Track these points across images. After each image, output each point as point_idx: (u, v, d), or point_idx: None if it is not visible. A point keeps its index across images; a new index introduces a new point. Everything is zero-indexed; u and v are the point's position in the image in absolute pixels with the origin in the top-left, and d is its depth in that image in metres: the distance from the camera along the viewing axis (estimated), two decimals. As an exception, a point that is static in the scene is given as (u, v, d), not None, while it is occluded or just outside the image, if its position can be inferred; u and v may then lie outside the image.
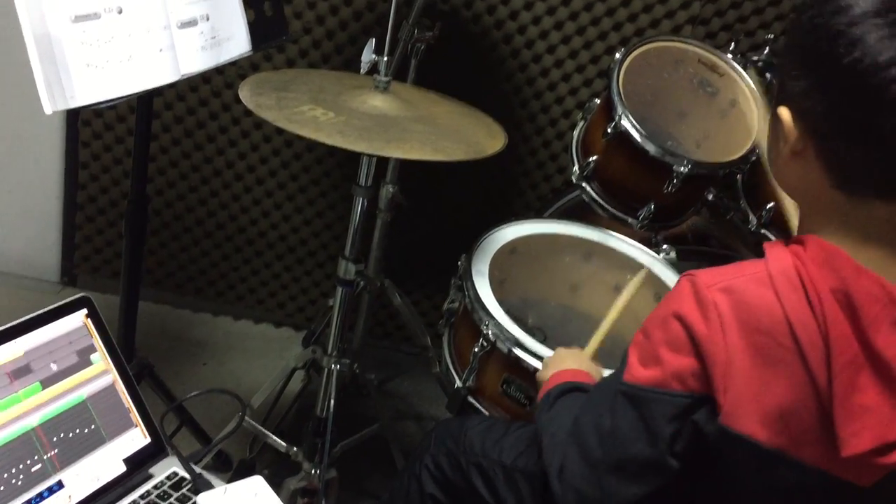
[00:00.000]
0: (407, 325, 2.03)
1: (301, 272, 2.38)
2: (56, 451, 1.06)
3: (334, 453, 1.67)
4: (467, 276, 1.49)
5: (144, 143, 1.53)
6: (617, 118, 1.63)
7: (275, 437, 1.73)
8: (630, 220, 1.74)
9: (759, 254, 0.91)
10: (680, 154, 1.64)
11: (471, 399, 1.47)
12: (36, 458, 1.04)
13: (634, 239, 1.74)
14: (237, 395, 1.32)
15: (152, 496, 1.11)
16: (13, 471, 1.01)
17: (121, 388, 1.16)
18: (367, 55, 1.38)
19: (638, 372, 0.94)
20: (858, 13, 0.81)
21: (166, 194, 2.25)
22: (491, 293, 1.46)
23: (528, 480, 1.19)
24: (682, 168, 1.61)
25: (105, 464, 1.10)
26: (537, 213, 2.15)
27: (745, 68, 1.77)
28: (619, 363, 0.99)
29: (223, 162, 2.22)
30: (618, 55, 1.71)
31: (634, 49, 1.73)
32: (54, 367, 1.09)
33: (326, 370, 1.63)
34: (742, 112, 1.75)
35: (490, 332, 1.39)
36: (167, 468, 1.15)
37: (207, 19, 1.35)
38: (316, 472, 1.64)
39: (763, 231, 1.75)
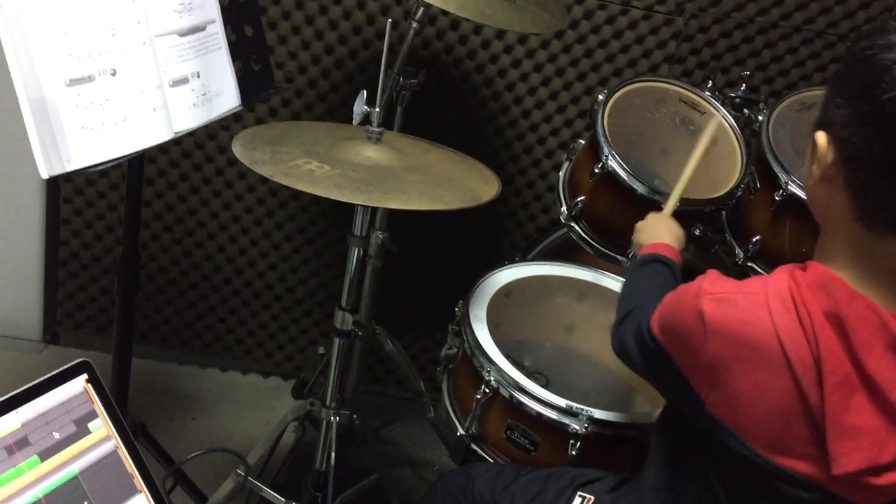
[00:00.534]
0: (400, 370, 2.02)
1: (288, 320, 2.37)
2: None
3: (335, 507, 1.65)
4: (465, 321, 1.48)
5: (136, 202, 1.52)
6: (604, 158, 1.64)
7: (273, 493, 1.70)
8: (620, 258, 1.76)
9: None
10: (667, 192, 1.66)
11: (474, 446, 1.46)
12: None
13: (623, 276, 1.76)
14: (239, 455, 1.30)
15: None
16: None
17: (123, 454, 1.14)
18: (360, 106, 1.38)
19: (654, 325, 1.02)
20: None
21: (150, 247, 2.23)
22: (490, 338, 1.46)
23: (540, 526, 1.18)
24: (670, 205, 1.63)
25: (112, 533, 1.08)
26: (524, 253, 2.16)
27: (722, 104, 1.81)
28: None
29: (207, 213, 2.21)
30: (601, 96, 1.73)
31: (617, 90, 1.75)
32: (56, 436, 1.07)
33: (325, 422, 1.61)
34: (725, 149, 1.78)
35: (492, 379, 1.39)
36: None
37: (198, 76, 1.36)
38: (317, 526, 1.62)
39: (750, 264, 1.77)
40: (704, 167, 1.82)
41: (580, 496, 1.20)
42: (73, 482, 1.07)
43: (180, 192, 2.18)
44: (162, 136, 1.27)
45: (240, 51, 1.46)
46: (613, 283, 1.73)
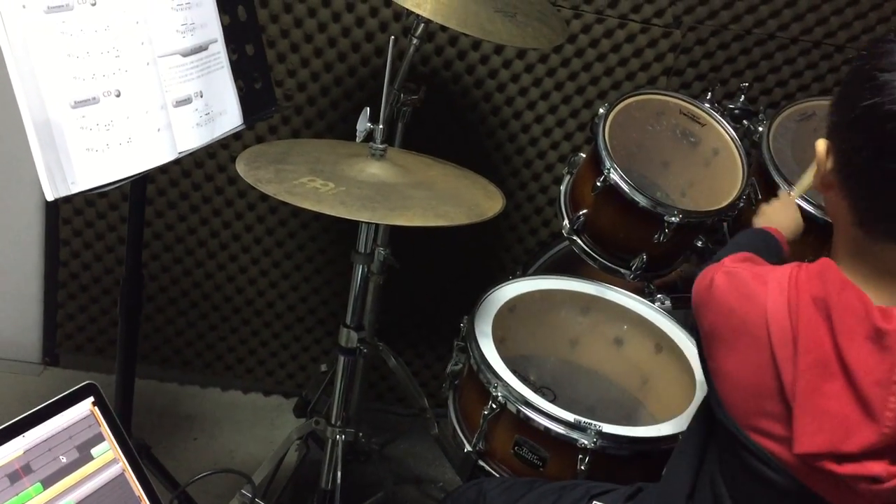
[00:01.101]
0: (403, 386, 2.01)
1: (290, 338, 2.36)
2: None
3: (341, 526, 1.64)
4: (471, 337, 1.48)
5: (138, 223, 1.51)
6: (606, 172, 1.65)
7: (279, 513, 1.69)
8: (623, 270, 1.76)
9: None
10: (670, 204, 1.66)
11: (481, 462, 1.45)
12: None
13: (627, 290, 1.75)
14: (246, 475, 1.29)
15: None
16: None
17: (131, 476, 1.13)
18: (363, 124, 1.38)
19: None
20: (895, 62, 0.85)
21: (150, 266, 2.22)
22: (496, 354, 1.45)
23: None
24: (673, 218, 1.63)
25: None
26: (525, 267, 2.15)
27: (721, 116, 1.82)
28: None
29: (207, 231, 2.21)
30: (601, 110, 1.74)
31: (618, 103, 1.76)
32: (63, 460, 1.06)
33: (331, 440, 1.60)
34: (725, 160, 1.78)
35: (500, 394, 1.38)
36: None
37: (201, 96, 1.35)
38: (324, 546, 1.61)
39: (753, 274, 1.77)
40: (707, 178, 1.83)
41: (596, 505, 1.20)
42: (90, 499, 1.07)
43: (180, 211, 2.18)
44: (166, 156, 1.26)
45: (241, 70, 1.46)
46: (617, 296, 1.72)
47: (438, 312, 2.32)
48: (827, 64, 2.09)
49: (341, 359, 1.58)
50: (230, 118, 1.44)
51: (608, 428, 1.34)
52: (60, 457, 1.06)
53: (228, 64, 1.43)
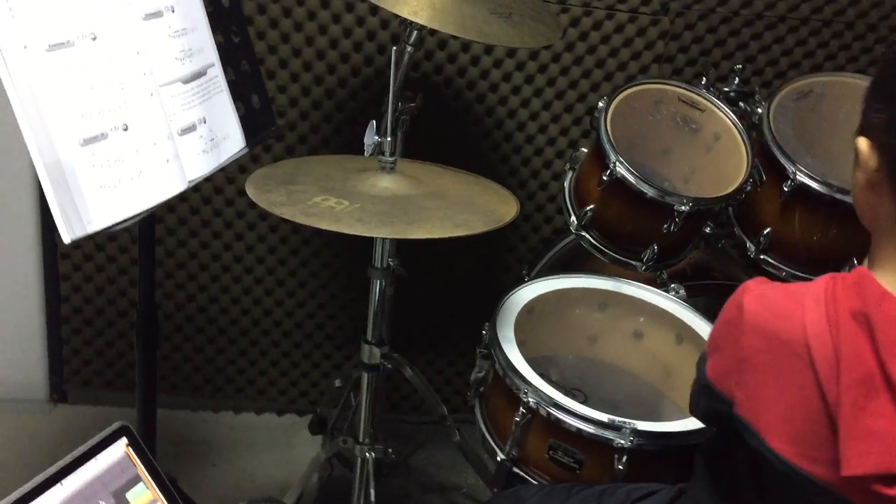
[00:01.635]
0: (421, 396, 1.99)
1: (299, 356, 2.33)
2: None
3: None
4: (495, 343, 1.47)
5: (149, 256, 1.49)
6: (612, 165, 1.64)
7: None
8: (634, 262, 1.75)
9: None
10: (678, 193, 1.66)
11: (516, 469, 1.44)
12: None
13: (639, 281, 1.75)
14: (281, 503, 1.27)
15: None
16: None
17: (171, 516, 1.11)
18: (370, 137, 1.37)
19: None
20: None
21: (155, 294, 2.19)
22: (522, 358, 1.44)
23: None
24: (682, 207, 1.62)
25: None
26: (530, 266, 2.14)
27: (719, 99, 1.81)
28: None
29: (209, 255, 2.18)
30: (601, 103, 1.73)
31: (616, 95, 1.75)
32: (104, 506, 1.04)
33: (360, 459, 1.59)
34: (728, 144, 1.78)
35: (530, 400, 1.37)
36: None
37: (204, 122, 1.33)
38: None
39: (763, 256, 1.77)
40: (710, 164, 1.83)
41: (639, 510, 1.19)
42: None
43: (179, 237, 2.15)
44: (177, 187, 1.24)
45: (239, 90, 1.44)
46: (632, 289, 1.72)
47: (446, 317, 2.31)
48: (815, 40, 2.10)
49: (365, 376, 1.56)
50: (234, 142, 1.42)
51: (643, 425, 1.33)
52: (101, 502, 1.04)
53: (227, 86, 1.41)
